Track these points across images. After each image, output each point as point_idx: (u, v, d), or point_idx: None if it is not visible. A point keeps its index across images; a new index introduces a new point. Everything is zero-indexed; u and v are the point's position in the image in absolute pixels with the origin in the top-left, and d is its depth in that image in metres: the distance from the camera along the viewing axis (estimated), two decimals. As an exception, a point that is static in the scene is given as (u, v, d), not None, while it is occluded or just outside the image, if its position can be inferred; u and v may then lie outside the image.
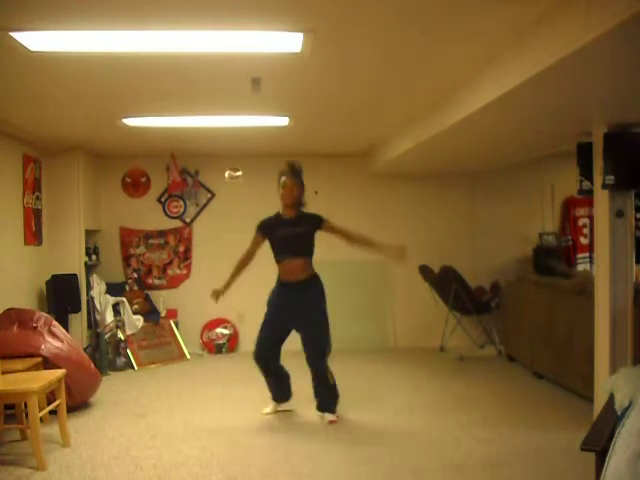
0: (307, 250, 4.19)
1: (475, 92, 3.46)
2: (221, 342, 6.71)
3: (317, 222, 4.20)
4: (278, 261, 4.19)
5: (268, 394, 4.41)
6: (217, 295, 4.30)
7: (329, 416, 4.17)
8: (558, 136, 4.45)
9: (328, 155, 6.78)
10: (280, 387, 4.38)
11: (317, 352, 4.15)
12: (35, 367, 4.09)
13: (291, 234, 4.14)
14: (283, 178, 4.17)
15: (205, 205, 6.88)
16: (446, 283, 6.17)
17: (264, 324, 4.23)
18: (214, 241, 6.78)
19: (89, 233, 6.34)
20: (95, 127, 5.12)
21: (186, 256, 6.88)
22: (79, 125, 5.04)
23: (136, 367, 5.95)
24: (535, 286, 5.47)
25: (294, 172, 4.19)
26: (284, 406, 4.42)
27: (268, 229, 4.23)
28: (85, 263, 6.13)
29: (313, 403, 4.28)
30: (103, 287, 6.24)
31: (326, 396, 4.22)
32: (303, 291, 4.14)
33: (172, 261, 6.86)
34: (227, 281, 4.32)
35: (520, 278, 5.96)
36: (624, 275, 3.79)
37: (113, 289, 6.34)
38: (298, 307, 4.13)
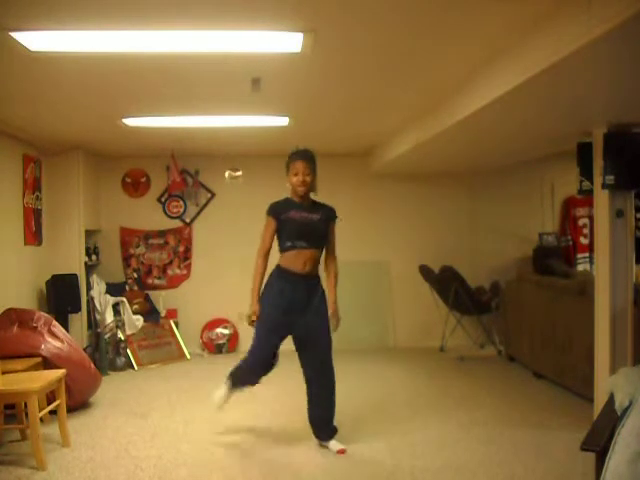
0: (323, 242, 3.66)
1: (475, 92, 3.46)
2: (221, 342, 6.71)
3: (332, 215, 3.71)
4: (289, 248, 3.58)
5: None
6: (252, 320, 3.73)
7: (336, 444, 3.64)
8: (558, 136, 4.45)
9: (328, 155, 6.68)
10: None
11: (327, 364, 3.66)
12: (35, 367, 4.09)
13: (309, 220, 3.60)
14: (297, 163, 3.63)
15: (205, 205, 6.88)
16: (446, 283, 6.17)
17: (263, 328, 3.67)
18: (214, 241, 6.80)
19: (89, 233, 6.33)
20: (95, 127, 5.11)
21: (186, 256, 6.88)
22: (79, 125, 5.04)
23: (136, 367, 5.95)
24: (535, 286, 5.46)
25: (307, 157, 3.67)
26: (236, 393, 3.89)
27: (282, 210, 3.63)
28: (85, 263, 6.13)
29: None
30: (103, 287, 6.24)
31: (331, 421, 3.70)
32: (314, 287, 3.62)
33: (172, 261, 6.86)
34: (253, 297, 3.68)
35: (520, 278, 5.95)
36: (624, 275, 3.79)
37: (113, 289, 6.34)
38: (305, 306, 3.58)
